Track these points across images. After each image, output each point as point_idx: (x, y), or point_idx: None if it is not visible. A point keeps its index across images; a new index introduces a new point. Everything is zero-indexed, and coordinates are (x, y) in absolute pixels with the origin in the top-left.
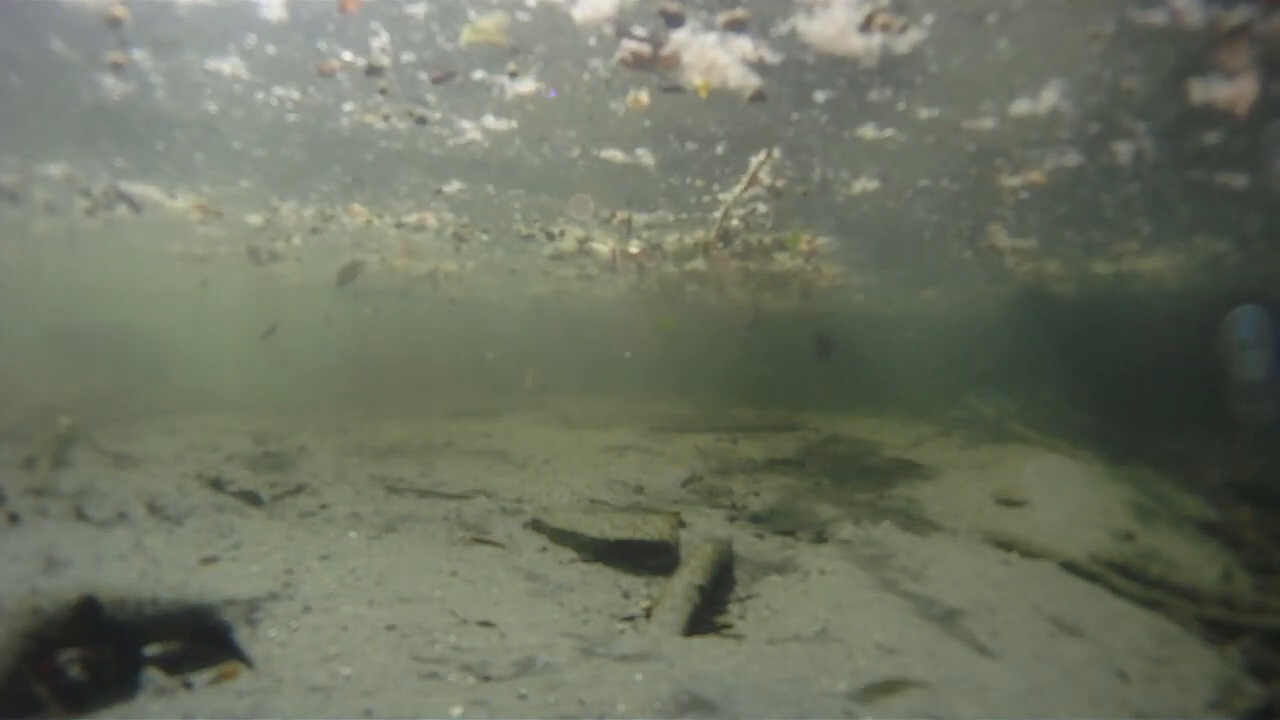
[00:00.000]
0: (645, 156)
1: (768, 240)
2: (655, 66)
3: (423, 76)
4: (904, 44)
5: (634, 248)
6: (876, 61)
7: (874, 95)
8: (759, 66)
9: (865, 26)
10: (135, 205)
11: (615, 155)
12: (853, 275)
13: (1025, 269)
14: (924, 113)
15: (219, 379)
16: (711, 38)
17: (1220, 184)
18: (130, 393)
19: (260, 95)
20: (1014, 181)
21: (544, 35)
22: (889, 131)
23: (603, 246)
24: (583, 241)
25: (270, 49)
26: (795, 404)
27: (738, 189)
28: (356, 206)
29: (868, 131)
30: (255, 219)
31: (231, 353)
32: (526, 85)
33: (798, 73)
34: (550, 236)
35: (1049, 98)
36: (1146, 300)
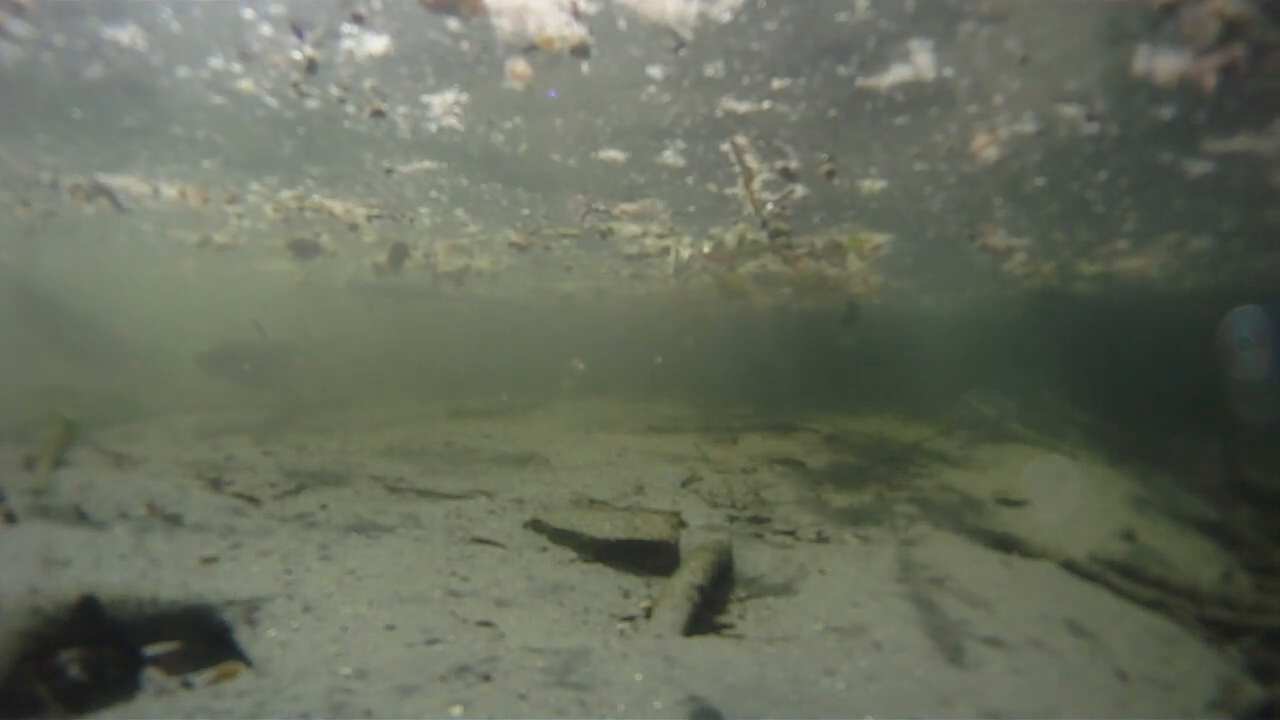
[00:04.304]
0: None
1: (820, 243)
2: (458, 8)
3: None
4: (723, 9)
5: (706, 248)
6: (693, 32)
7: (709, 70)
8: (578, 15)
9: None
10: (118, 202)
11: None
12: (889, 280)
13: (1022, 271)
14: (776, 83)
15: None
16: None
17: (1183, 169)
18: (131, 392)
19: (184, 71)
20: (988, 152)
21: None
22: (766, 104)
23: (684, 249)
24: (663, 238)
25: (175, 26)
26: (798, 404)
27: (741, 180)
28: (335, 203)
29: (736, 106)
30: (269, 209)
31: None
32: (379, 44)
33: (625, 46)
34: (602, 235)
35: (923, 60)
36: (1143, 301)
